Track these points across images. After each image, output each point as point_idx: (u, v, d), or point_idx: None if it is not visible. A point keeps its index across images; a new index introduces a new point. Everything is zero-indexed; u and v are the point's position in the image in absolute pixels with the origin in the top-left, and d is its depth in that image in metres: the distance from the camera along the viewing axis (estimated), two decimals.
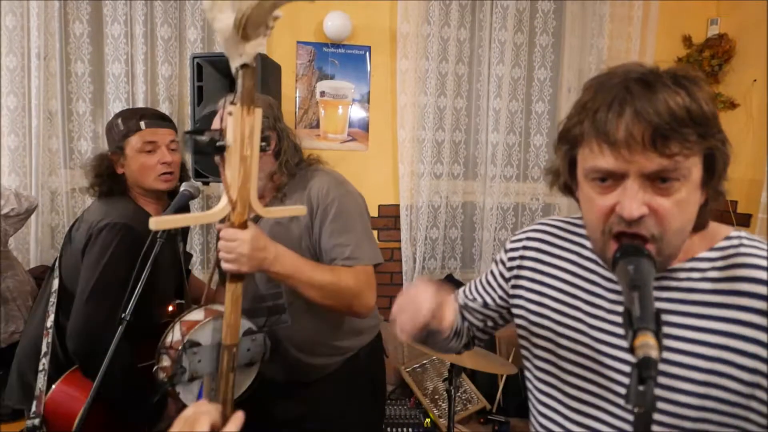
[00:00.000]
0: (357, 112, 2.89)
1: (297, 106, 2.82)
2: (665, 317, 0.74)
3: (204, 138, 1.01)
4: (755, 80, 2.85)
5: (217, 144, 0.97)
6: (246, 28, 0.88)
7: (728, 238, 0.76)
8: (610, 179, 0.70)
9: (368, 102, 2.89)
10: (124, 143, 1.54)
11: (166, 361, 1.23)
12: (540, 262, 0.93)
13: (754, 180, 2.71)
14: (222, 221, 1.07)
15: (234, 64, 0.93)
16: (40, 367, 1.43)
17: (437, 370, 2.77)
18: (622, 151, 0.66)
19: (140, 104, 2.53)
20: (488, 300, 1.02)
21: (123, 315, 1.24)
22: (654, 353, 0.52)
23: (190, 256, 1.97)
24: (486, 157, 2.95)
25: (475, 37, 2.90)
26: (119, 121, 1.56)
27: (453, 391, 1.90)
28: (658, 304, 0.75)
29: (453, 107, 2.91)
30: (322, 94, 2.84)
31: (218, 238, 1.14)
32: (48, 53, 2.45)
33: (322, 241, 1.40)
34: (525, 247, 0.96)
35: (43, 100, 2.44)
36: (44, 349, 1.45)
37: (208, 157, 2.11)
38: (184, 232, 1.85)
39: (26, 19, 2.41)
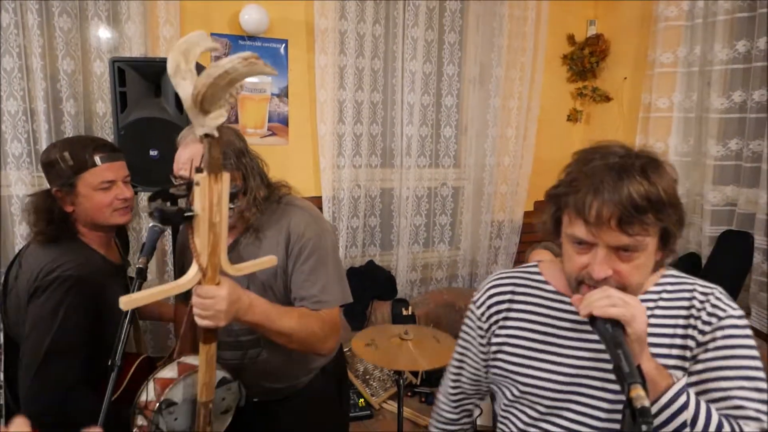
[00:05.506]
0: (276, 107, 2.88)
1: None
2: None
3: (172, 209, 1.03)
4: (625, 78, 3.30)
5: (185, 214, 1.00)
6: (203, 104, 0.92)
7: (665, 276, 1.03)
8: (584, 244, 0.91)
9: (287, 96, 2.89)
10: (76, 180, 1.41)
11: (141, 421, 1.22)
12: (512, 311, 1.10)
13: None
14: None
15: (198, 134, 0.97)
16: None
17: None
18: (593, 228, 0.87)
19: (40, 102, 2.31)
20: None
21: (111, 361, 1.20)
22: (647, 402, 0.71)
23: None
24: (401, 148, 3.12)
25: (390, 33, 3.00)
26: (66, 154, 1.41)
27: (401, 380, 2.09)
28: None
29: (370, 101, 3.02)
30: (240, 88, 2.77)
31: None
32: None
33: (293, 278, 1.44)
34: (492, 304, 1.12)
35: None
36: None
37: (138, 165, 2.01)
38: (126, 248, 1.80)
39: None
